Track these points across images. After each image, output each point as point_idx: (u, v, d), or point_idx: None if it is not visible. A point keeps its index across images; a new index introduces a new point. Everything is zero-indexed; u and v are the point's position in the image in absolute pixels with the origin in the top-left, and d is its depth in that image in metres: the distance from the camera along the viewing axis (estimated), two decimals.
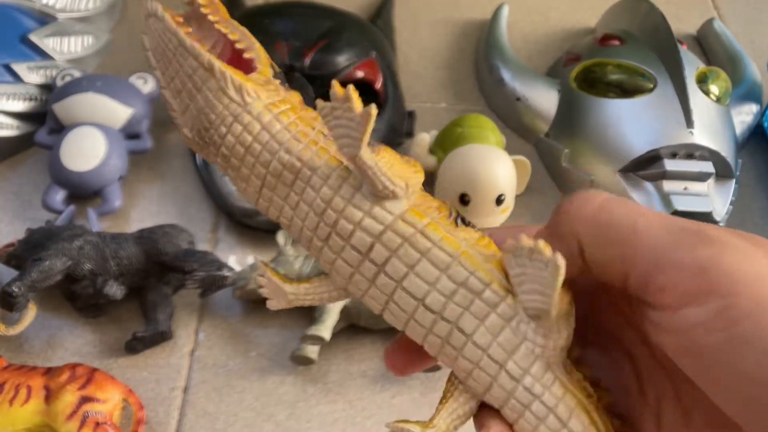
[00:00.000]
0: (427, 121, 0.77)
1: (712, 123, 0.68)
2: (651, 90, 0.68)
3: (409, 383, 0.59)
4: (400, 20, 0.87)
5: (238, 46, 0.27)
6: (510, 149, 0.74)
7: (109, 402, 0.51)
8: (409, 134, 0.74)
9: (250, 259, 0.63)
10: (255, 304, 0.62)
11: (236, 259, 0.63)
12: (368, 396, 0.58)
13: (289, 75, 0.68)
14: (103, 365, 0.57)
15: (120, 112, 0.66)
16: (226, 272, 0.56)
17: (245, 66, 0.26)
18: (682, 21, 0.90)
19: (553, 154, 0.73)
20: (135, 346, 0.57)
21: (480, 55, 0.82)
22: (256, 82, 0.26)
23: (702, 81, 0.70)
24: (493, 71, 0.78)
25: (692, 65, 0.70)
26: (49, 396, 0.50)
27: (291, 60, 0.69)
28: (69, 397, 0.50)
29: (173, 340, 0.59)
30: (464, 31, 0.88)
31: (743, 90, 0.78)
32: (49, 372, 0.52)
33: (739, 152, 0.76)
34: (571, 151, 0.71)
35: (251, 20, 0.74)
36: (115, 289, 0.55)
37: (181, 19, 0.26)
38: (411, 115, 0.76)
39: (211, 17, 0.27)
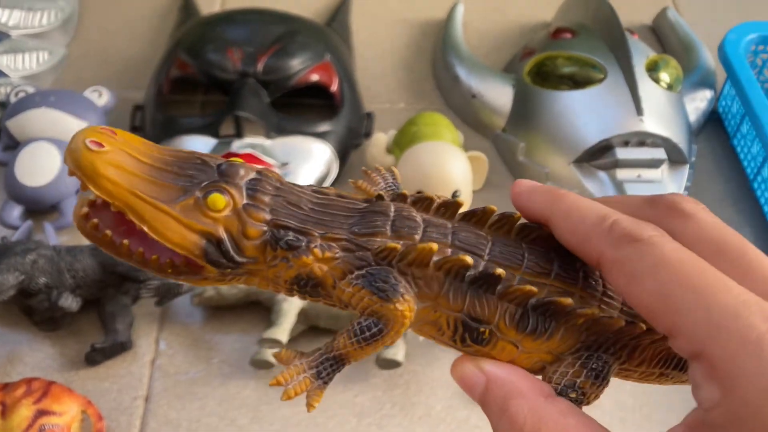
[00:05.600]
0: (387, 122, 0.77)
1: (663, 110, 0.68)
2: (601, 80, 0.69)
3: (371, 381, 0.59)
4: (357, 22, 0.87)
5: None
6: (468, 146, 0.75)
7: (66, 414, 0.51)
8: (368, 135, 0.75)
9: None
10: (215, 310, 0.62)
11: None
12: (330, 396, 0.59)
13: (242, 81, 0.68)
14: (64, 378, 0.57)
15: (74, 126, 0.66)
16: None
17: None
18: (638, 11, 0.91)
19: (510, 148, 0.73)
20: (94, 357, 0.57)
21: (437, 53, 0.83)
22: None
23: (653, 69, 0.71)
24: (449, 69, 0.79)
25: (642, 54, 0.71)
26: (5, 411, 0.50)
27: (244, 66, 0.69)
28: (25, 412, 0.50)
29: (134, 349, 0.59)
30: (422, 30, 0.88)
31: (697, 77, 0.79)
32: (5, 387, 0.52)
33: (695, 138, 0.77)
34: (526, 144, 0.72)
35: (205, 29, 0.75)
36: (70, 302, 0.55)
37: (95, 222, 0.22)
38: (369, 116, 0.77)
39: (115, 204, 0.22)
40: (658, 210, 0.22)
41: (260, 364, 0.58)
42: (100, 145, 0.21)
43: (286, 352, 0.23)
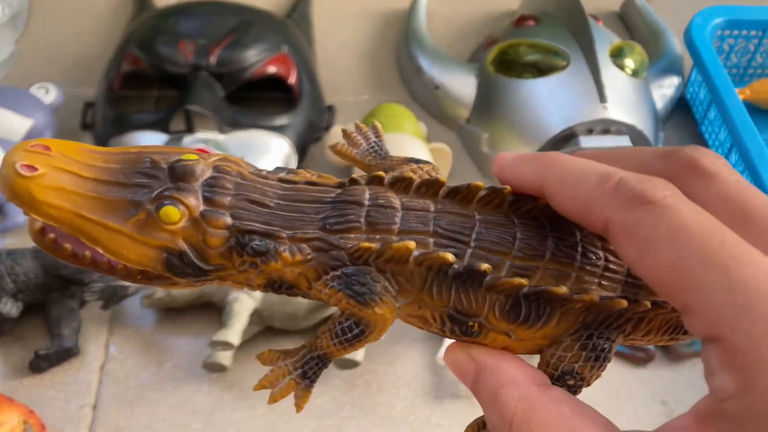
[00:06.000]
0: (351, 114, 0.75)
1: (627, 97, 0.67)
2: (564, 67, 0.67)
3: (331, 382, 0.57)
4: (319, 13, 0.85)
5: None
6: (433, 137, 0.73)
7: (5, 425, 0.48)
8: (328, 128, 0.73)
9: None
10: (167, 312, 0.60)
11: None
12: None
13: (194, 74, 0.66)
14: (7, 387, 0.55)
15: (19, 124, 0.63)
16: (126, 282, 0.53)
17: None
18: None
19: (474, 139, 0.71)
20: (39, 364, 0.55)
21: (400, 44, 0.81)
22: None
23: (617, 55, 0.69)
24: (412, 60, 0.77)
25: (606, 40, 0.70)
26: None
27: (196, 59, 0.67)
28: None
29: (82, 355, 0.57)
30: (386, 20, 0.86)
31: (665, 63, 0.77)
32: None
33: (663, 125, 0.75)
34: (490, 135, 0.70)
35: (157, 22, 0.72)
36: (9, 307, 0.53)
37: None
38: (330, 109, 0.75)
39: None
40: (673, 166, 0.19)
41: (213, 367, 0.56)
42: (33, 168, 0.19)
43: (269, 354, 0.22)
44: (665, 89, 0.75)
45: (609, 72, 0.66)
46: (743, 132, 0.65)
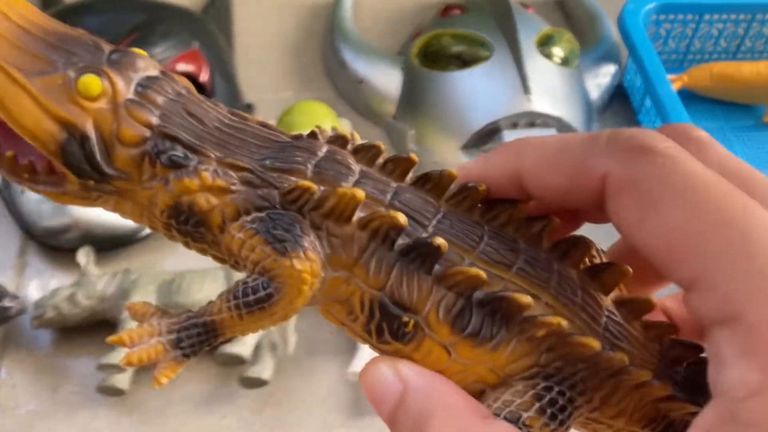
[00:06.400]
0: (272, 112, 0.71)
1: (554, 87, 0.64)
2: (487, 58, 0.64)
3: (238, 402, 0.54)
4: (241, 6, 0.81)
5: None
6: (360, 135, 0.69)
7: None
8: None
9: (53, 283, 0.56)
10: (63, 332, 0.55)
11: (38, 284, 0.57)
12: (193, 421, 0.53)
13: None
14: None
15: None
16: (7, 302, 0.49)
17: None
18: None
19: (401, 136, 0.68)
20: None
21: (325, 37, 0.77)
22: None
23: (545, 44, 0.66)
24: (336, 54, 0.73)
25: (533, 28, 0.66)
26: None
27: None
28: None
29: None
30: (312, 12, 0.82)
31: (601, 51, 0.74)
32: None
33: (600, 115, 0.72)
34: (417, 131, 0.66)
35: (62, 20, 0.68)
36: None
37: None
38: (249, 107, 0.71)
39: None
40: (666, 135, 0.17)
41: (109, 391, 0.52)
42: None
43: (142, 306, 0.18)
44: (601, 78, 0.72)
45: (534, 62, 0.63)
46: (675, 121, 0.62)
